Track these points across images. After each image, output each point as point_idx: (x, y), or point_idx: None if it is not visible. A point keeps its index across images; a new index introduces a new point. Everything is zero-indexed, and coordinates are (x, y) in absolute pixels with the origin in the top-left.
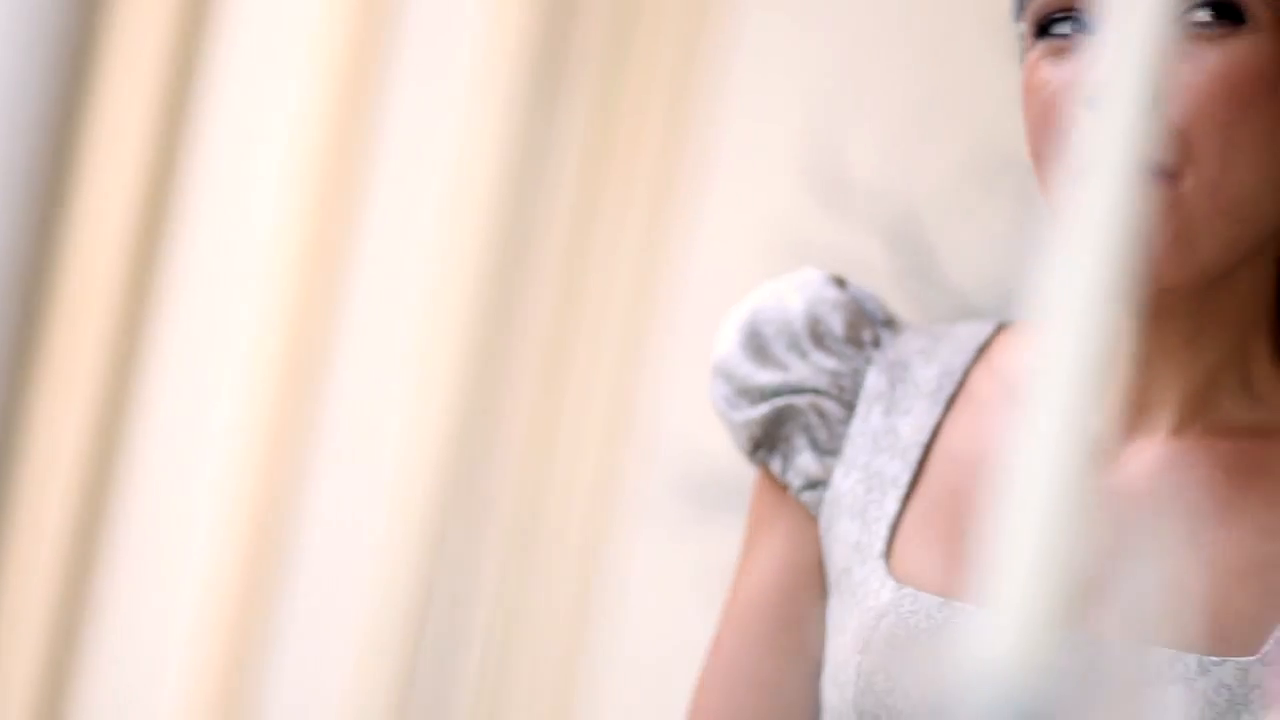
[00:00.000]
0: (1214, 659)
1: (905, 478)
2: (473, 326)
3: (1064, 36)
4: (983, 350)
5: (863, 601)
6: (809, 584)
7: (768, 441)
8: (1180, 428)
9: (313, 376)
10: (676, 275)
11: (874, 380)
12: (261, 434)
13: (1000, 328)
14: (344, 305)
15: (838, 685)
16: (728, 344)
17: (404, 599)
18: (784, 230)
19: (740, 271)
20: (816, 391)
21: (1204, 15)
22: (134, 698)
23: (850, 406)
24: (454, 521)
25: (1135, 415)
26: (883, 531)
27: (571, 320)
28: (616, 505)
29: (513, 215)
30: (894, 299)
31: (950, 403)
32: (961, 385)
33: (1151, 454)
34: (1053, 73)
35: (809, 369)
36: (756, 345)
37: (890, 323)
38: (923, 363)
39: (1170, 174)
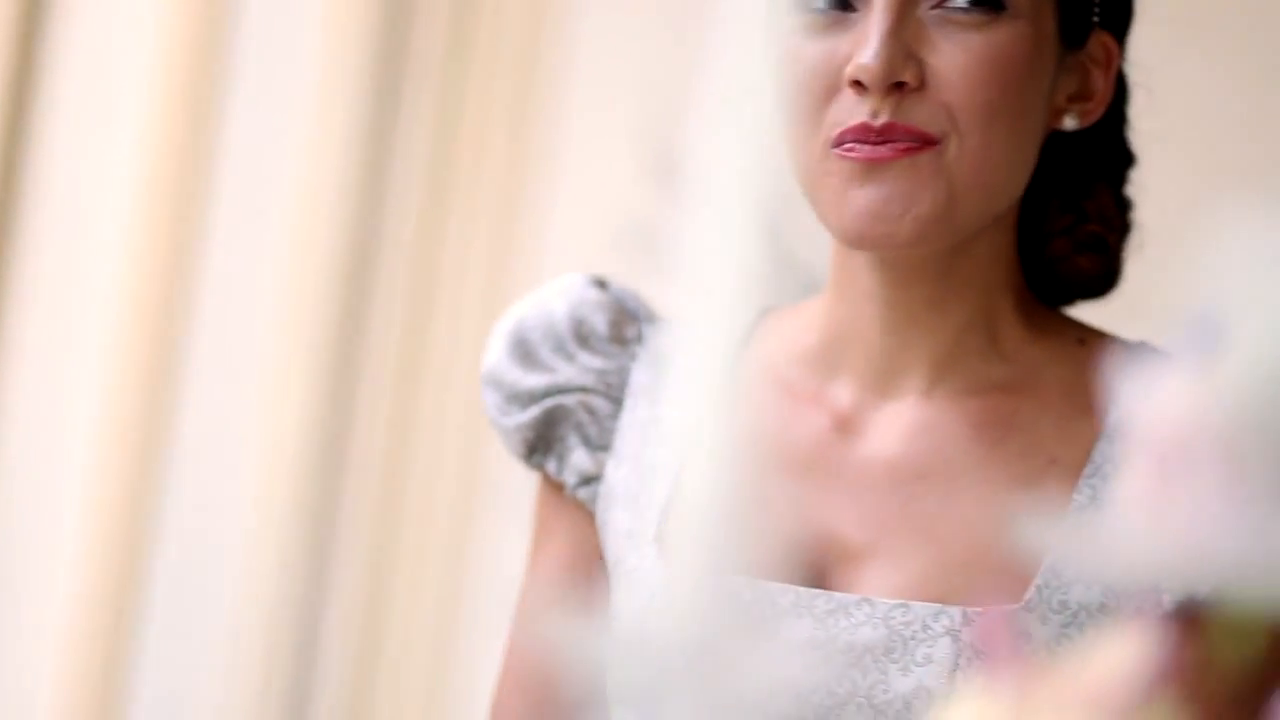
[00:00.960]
0: (977, 610)
1: (673, 463)
2: (328, 326)
3: (821, 12)
4: (747, 336)
5: (636, 586)
6: (592, 580)
7: (541, 444)
8: (930, 389)
9: (167, 380)
10: (528, 269)
11: (639, 374)
12: (117, 445)
13: (765, 313)
14: (195, 309)
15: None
16: (495, 353)
17: (266, 602)
18: (633, 221)
19: (592, 263)
20: (584, 390)
21: (962, 1)
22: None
23: (618, 402)
24: (316, 521)
25: (885, 380)
26: (654, 517)
27: (427, 317)
28: (481, 502)
29: (362, 212)
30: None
31: None
32: None
33: (903, 417)
34: (809, 48)
35: (576, 369)
36: (523, 351)
37: (653, 317)
38: None
39: (935, 140)
